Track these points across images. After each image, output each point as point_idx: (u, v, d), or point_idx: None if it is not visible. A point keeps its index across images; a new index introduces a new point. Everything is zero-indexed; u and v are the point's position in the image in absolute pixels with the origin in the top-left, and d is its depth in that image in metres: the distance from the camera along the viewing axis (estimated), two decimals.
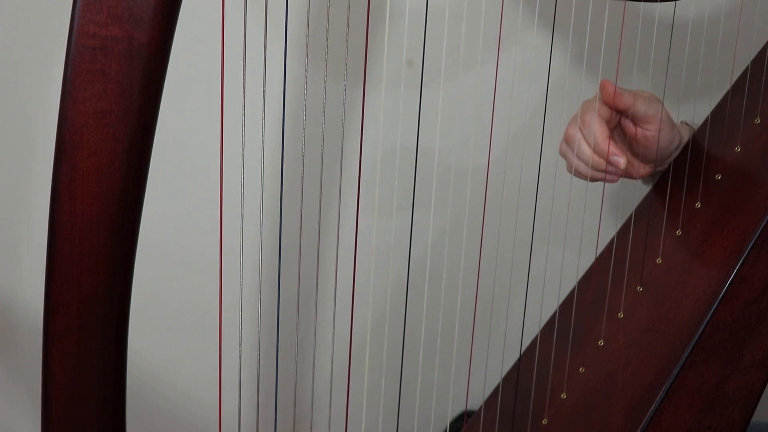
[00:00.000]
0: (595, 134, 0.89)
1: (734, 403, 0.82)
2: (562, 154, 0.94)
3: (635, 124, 0.91)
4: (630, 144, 0.94)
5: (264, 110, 0.67)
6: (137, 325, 0.70)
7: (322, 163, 0.93)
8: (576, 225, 1.05)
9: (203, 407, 1.25)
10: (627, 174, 0.94)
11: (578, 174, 0.93)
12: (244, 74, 0.64)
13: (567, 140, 0.92)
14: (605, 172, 0.91)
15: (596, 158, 0.90)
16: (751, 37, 0.95)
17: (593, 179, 0.93)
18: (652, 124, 0.90)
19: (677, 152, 0.96)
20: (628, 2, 0.85)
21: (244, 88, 0.64)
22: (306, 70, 0.72)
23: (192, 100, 1.09)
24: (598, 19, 0.91)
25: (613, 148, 0.89)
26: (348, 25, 0.69)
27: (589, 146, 0.90)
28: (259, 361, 0.82)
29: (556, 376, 0.91)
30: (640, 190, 1.01)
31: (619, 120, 0.93)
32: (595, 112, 0.90)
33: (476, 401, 1.07)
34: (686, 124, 1.00)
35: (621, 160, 0.89)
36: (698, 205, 0.91)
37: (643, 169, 0.95)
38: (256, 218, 0.78)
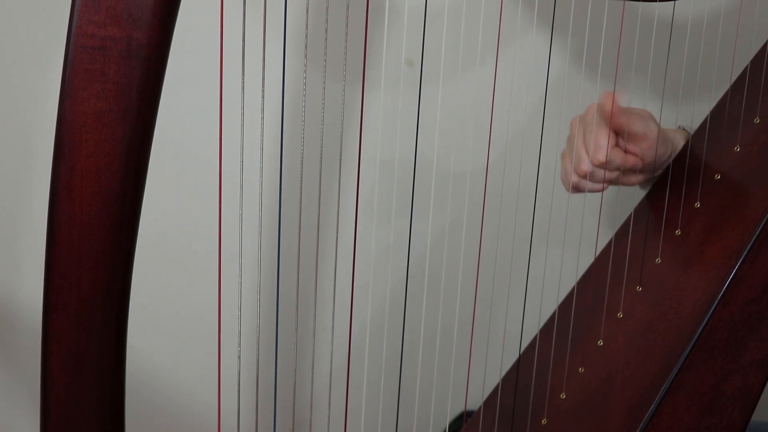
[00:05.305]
0: (595, 144, 0.90)
1: (733, 403, 0.82)
2: (563, 168, 0.95)
3: (628, 141, 0.92)
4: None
5: (263, 110, 0.67)
6: (136, 325, 0.70)
7: (321, 163, 0.93)
8: (575, 225, 1.05)
9: (202, 407, 1.25)
10: (621, 183, 0.95)
11: (566, 183, 0.93)
12: (243, 74, 0.64)
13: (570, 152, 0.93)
14: (602, 181, 0.91)
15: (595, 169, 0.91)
16: (751, 37, 0.95)
17: (577, 189, 0.93)
18: (646, 142, 0.91)
19: (670, 160, 0.96)
20: (627, 2, 0.85)
21: (243, 88, 0.64)
22: (305, 70, 0.72)
23: (191, 101, 1.09)
24: (597, 19, 0.91)
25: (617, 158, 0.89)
26: (347, 25, 0.69)
27: (587, 155, 0.90)
28: (258, 362, 0.82)
29: (556, 376, 0.91)
30: (639, 191, 1.01)
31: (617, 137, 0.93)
32: (595, 125, 0.90)
33: (476, 401, 1.07)
34: (683, 129, 1.00)
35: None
36: (697, 204, 0.91)
37: (635, 178, 0.95)
38: (255, 218, 0.77)
